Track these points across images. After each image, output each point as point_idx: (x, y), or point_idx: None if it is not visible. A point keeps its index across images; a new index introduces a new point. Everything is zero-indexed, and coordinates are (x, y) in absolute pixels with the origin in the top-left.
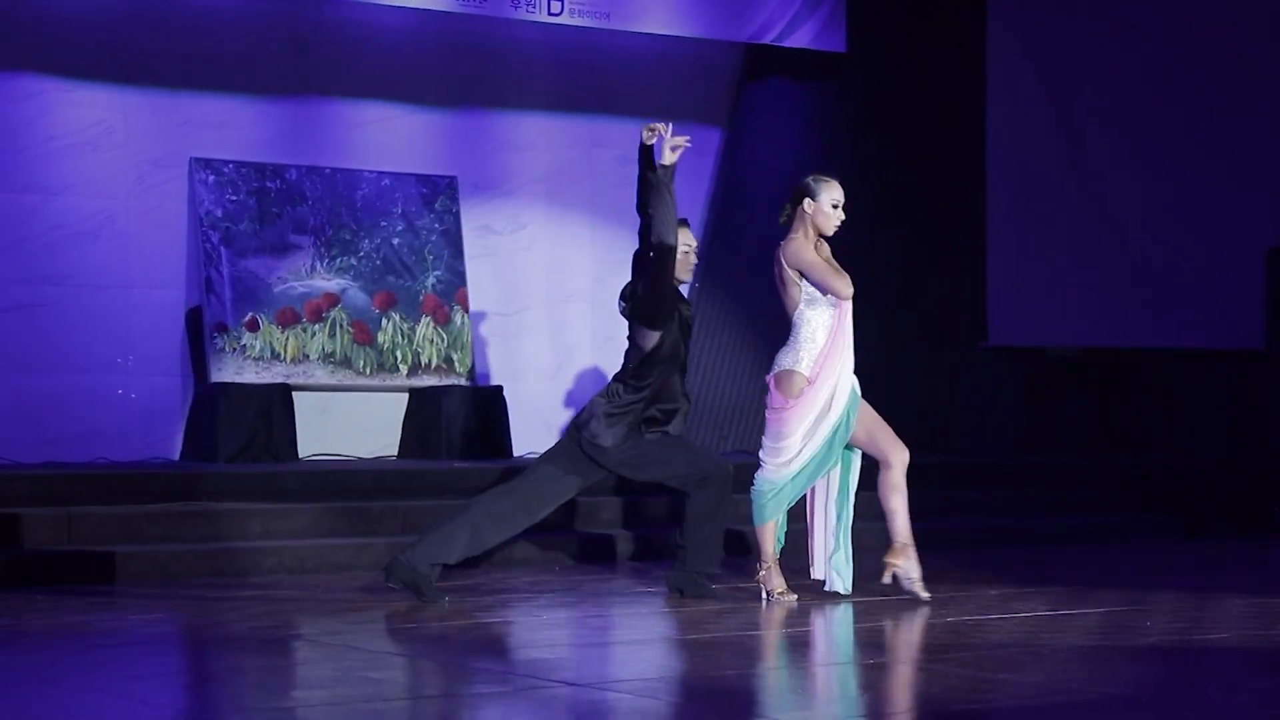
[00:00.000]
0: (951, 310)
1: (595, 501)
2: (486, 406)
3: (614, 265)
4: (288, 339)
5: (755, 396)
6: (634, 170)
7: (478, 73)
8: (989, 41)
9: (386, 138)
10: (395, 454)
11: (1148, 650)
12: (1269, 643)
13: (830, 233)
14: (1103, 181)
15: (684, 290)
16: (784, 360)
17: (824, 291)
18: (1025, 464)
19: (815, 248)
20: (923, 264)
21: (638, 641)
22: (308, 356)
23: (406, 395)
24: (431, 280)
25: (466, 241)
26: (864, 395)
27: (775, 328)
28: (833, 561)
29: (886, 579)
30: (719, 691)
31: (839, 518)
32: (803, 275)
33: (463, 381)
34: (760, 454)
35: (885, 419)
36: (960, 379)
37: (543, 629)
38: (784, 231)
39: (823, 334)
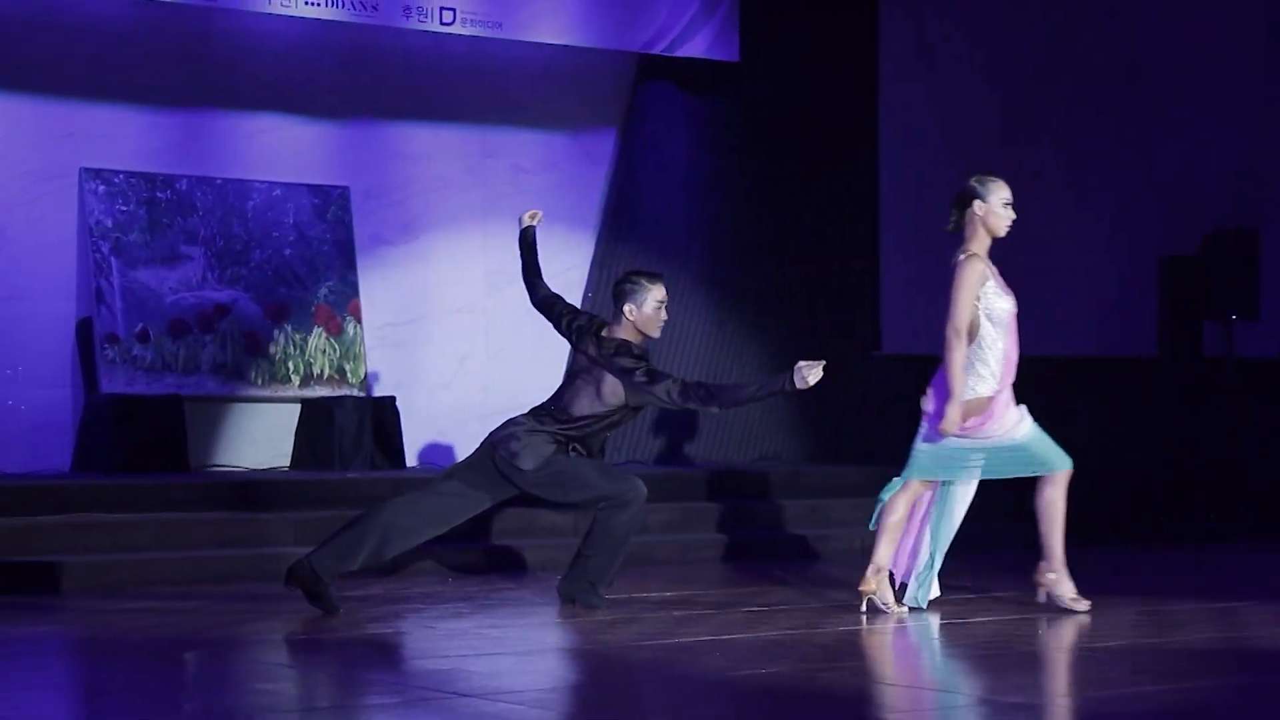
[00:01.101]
0: (845, 319)
1: (493, 511)
2: (380, 417)
3: (507, 275)
4: (179, 350)
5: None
6: (527, 179)
7: (370, 83)
8: (881, 51)
9: (278, 148)
10: (288, 465)
11: (1039, 657)
12: (1159, 649)
13: (1003, 233)
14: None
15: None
16: (969, 383)
17: (950, 316)
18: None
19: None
20: (816, 272)
21: (531, 652)
22: (199, 367)
23: (299, 406)
24: (324, 290)
25: (359, 252)
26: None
27: (667, 339)
28: (919, 575)
29: (1041, 598)
30: (611, 703)
31: (936, 532)
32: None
33: (356, 392)
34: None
35: (778, 425)
36: (854, 387)
37: (435, 640)
38: (956, 240)
39: (994, 355)
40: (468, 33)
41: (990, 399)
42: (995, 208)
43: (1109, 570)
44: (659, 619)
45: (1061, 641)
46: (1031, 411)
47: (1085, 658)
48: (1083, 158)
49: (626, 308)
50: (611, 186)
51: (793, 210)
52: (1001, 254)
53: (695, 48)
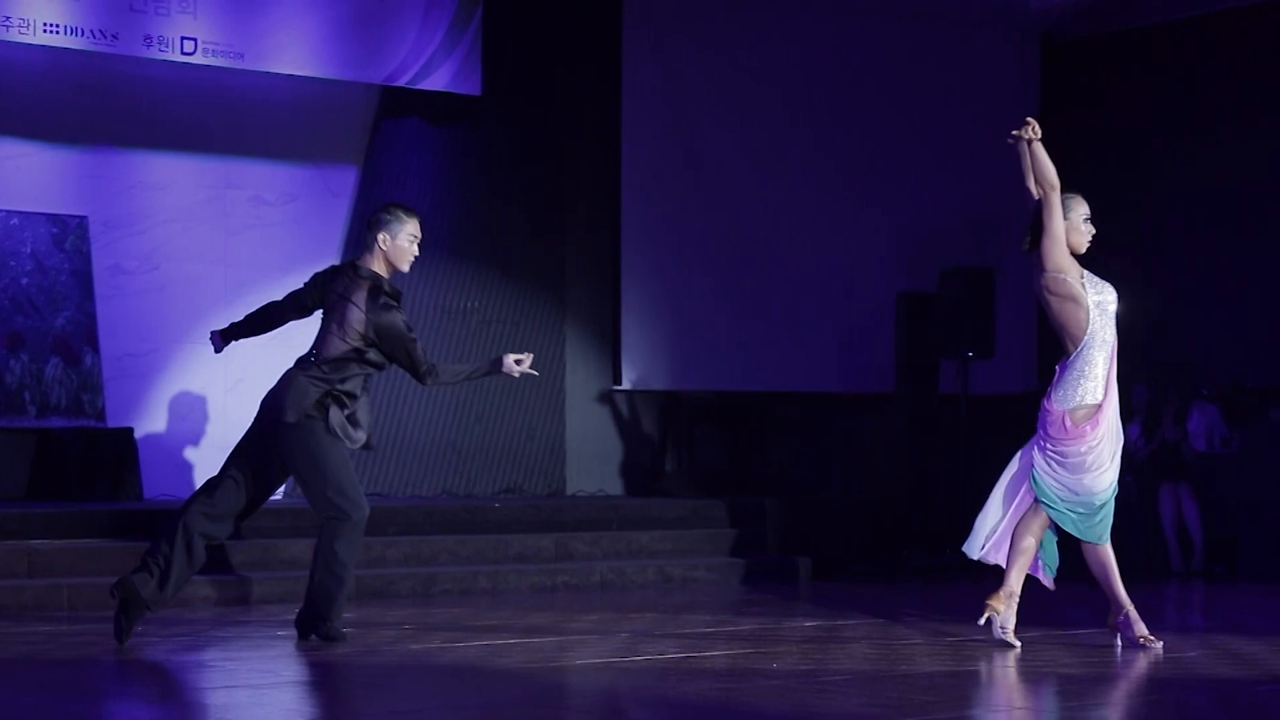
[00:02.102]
0: (586, 351)
1: (230, 544)
2: (117, 447)
3: (247, 306)
4: None
5: (393, 436)
6: (268, 210)
7: (110, 111)
8: (624, 86)
9: (16, 176)
10: (24, 495)
11: (775, 691)
12: (891, 681)
13: (1083, 250)
14: (740, 226)
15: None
16: (1078, 391)
17: (1062, 328)
18: (655, 505)
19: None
20: (556, 306)
21: (266, 685)
22: None
23: (36, 436)
24: (61, 320)
25: (97, 281)
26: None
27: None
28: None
29: (982, 621)
30: None
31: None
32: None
33: (93, 422)
34: (1067, 485)
35: (519, 459)
36: (594, 421)
37: (170, 672)
38: (1030, 260)
39: (1102, 356)
40: (209, 63)
41: (1098, 407)
42: (1076, 223)
43: (847, 603)
44: (397, 651)
45: (795, 675)
46: (775, 445)
47: (821, 689)
48: (823, 193)
49: (380, 237)
50: (354, 218)
51: (536, 242)
52: (748, 289)
53: (438, 81)
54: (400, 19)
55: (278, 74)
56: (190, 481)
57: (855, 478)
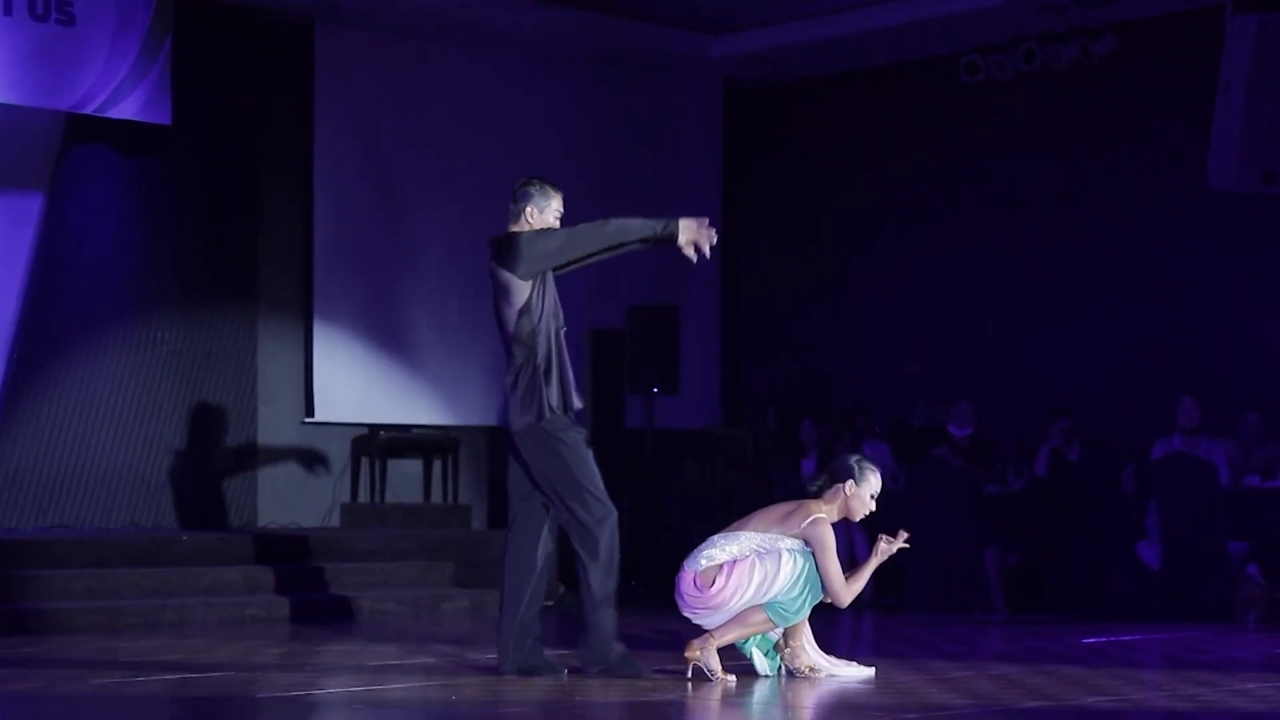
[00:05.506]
0: (278, 384)
1: None
2: None
3: None
4: None
5: (79, 468)
6: None
7: None
8: (316, 119)
9: None
10: None
11: None
12: (567, 712)
13: (858, 519)
14: (433, 261)
15: None
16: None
17: (823, 584)
18: (346, 537)
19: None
20: (248, 337)
21: None
22: None
23: None
24: None
25: None
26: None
27: (96, 398)
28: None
29: (690, 672)
30: None
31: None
32: (809, 546)
33: None
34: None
35: (187, 490)
36: (286, 453)
37: None
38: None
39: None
40: None
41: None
42: (864, 494)
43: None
44: (75, 687)
45: (476, 705)
46: (459, 480)
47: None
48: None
49: (529, 209)
50: (38, 247)
51: (227, 273)
52: (435, 323)
53: (127, 109)
54: (87, 46)
55: None
56: None
57: None
